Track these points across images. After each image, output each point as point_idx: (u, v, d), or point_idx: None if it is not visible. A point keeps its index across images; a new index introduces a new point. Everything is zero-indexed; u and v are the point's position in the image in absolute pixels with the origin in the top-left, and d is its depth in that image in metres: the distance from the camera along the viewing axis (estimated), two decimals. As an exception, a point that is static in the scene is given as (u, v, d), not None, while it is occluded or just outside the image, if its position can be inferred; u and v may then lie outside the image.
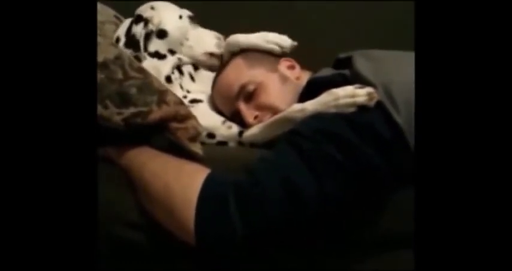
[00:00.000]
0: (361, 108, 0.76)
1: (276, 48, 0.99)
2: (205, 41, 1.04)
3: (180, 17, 1.03)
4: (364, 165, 0.72)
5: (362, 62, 0.87)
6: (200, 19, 1.07)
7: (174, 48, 1.02)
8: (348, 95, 0.77)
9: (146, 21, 0.99)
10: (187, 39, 1.03)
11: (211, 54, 1.04)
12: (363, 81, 0.81)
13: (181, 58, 1.03)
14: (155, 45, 1.00)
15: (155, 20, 1.00)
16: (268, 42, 0.99)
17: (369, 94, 0.76)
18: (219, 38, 1.06)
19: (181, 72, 1.04)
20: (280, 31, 1.02)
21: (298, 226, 0.72)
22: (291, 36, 1.01)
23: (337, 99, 0.77)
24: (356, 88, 0.77)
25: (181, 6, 1.07)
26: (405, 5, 1.04)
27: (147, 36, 0.99)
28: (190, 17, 1.04)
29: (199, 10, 1.06)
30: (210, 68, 1.06)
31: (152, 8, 1.03)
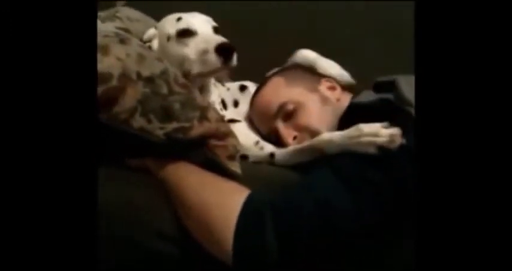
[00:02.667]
0: (405, 131, 0.75)
1: (342, 81, 1.01)
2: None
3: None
4: (403, 188, 0.71)
5: (406, 86, 0.87)
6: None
7: None
8: (371, 133, 0.75)
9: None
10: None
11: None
12: (408, 104, 0.81)
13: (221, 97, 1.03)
14: None
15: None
16: (340, 75, 1.01)
17: (391, 136, 0.74)
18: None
19: (224, 106, 1.04)
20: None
21: (333, 247, 0.72)
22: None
23: (360, 136, 0.76)
24: (382, 127, 0.76)
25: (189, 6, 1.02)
26: (405, 5, 1.02)
27: None
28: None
29: (204, 10, 1.02)
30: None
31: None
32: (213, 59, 0.88)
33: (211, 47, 0.88)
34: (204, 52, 0.89)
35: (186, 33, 0.93)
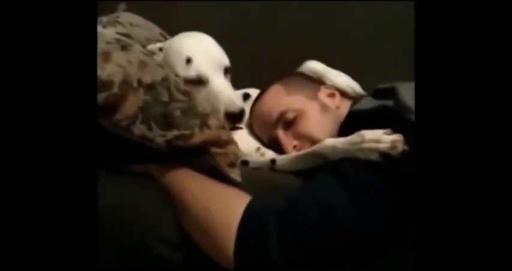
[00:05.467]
0: (407, 137, 0.75)
1: (352, 92, 1.02)
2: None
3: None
4: (406, 193, 0.71)
5: (406, 92, 0.87)
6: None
7: None
8: (373, 140, 0.76)
9: None
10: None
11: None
12: (409, 112, 0.81)
13: None
14: None
15: None
16: (349, 86, 1.02)
17: (393, 142, 0.75)
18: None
19: None
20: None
21: (338, 253, 0.72)
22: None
23: (362, 142, 0.76)
24: (384, 133, 0.76)
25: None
26: (405, 5, 1.03)
27: None
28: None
29: (205, 16, 1.03)
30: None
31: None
32: (221, 119, 0.87)
33: (222, 109, 0.87)
34: (214, 110, 0.86)
35: (196, 82, 0.90)
